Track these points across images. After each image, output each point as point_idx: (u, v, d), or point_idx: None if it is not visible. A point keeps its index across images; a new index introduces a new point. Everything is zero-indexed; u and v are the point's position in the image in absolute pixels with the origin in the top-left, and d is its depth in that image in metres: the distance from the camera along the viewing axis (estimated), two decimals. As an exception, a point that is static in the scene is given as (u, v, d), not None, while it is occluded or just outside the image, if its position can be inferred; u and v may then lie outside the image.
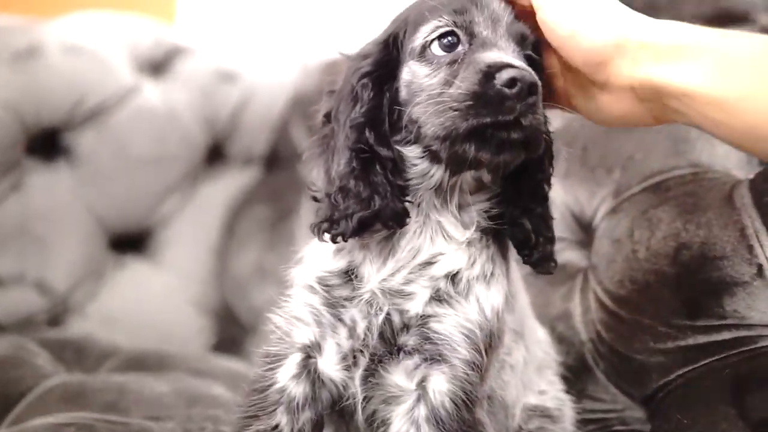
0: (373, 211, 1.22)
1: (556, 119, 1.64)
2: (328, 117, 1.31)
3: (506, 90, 1.11)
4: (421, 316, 1.25)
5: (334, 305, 1.30)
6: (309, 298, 1.31)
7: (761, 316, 1.41)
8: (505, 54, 1.18)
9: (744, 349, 1.42)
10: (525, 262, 1.32)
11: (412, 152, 1.26)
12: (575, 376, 1.61)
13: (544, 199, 1.32)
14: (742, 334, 1.43)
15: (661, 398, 1.50)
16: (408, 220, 1.24)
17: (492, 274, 1.29)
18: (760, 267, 1.42)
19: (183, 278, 2.73)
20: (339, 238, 1.24)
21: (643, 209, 1.62)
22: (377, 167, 1.24)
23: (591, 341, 1.64)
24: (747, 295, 1.42)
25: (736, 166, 1.63)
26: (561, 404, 1.49)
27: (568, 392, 1.52)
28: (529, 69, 1.15)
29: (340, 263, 1.31)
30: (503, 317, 1.29)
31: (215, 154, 2.84)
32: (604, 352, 1.61)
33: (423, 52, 1.24)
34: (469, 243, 1.28)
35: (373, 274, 1.27)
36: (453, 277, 1.26)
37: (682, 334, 1.48)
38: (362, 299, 1.27)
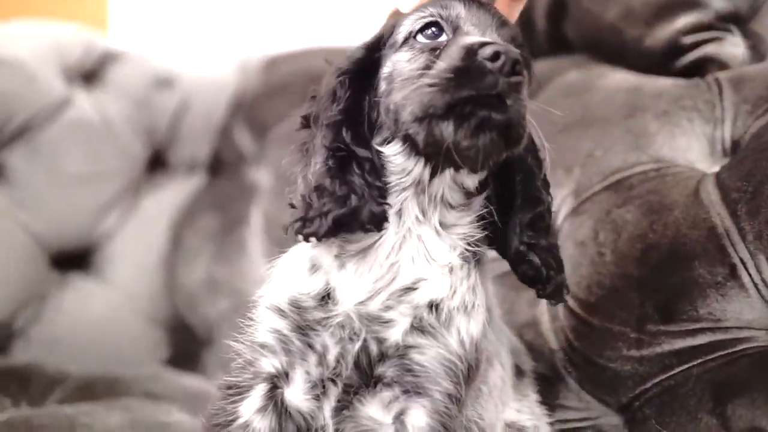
0: (349, 209, 1.16)
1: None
2: (307, 120, 1.25)
3: (489, 63, 1.06)
4: (401, 346, 1.18)
5: (304, 330, 1.21)
6: (276, 323, 1.23)
7: (737, 317, 1.37)
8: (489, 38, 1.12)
9: (721, 353, 1.37)
10: (539, 296, 1.27)
11: (391, 149, 1.20)
12: (547, 385, 1.55)
13: (547, 228, 1.26)
14: (719, 338, 1.38)
15: (638, 407, 1.45)
16: (387, 224, 1.18)
17: (473, 305, 1.22)
18: (732, 267, 1.37)
19: (131, 293, 2.62)
20: (312, 238, 1.18)
21: (607, 209, 1.57)
22: (354, 167, 1.18)
23: (562, 349, 1.58)
24: (721, 296, 1.38)
25: (699, 158, 1.59)
26: (536, 420, 1.43)
27: (542, 403, 1.46)
28: (515, 49, 1.08)
29: (317, 284, 1.23)
30: (481, 347, 1.23)
31: (156, 164, 2.73)
32: (576, 360, 1.55)
33: (405, 42, 1.20)
34: (451, 270, 1.22)
35: (350, 295, 1.20)
36: (435, 307, 1.20)
37: (656, 339, 1.43)
38: (335, 322, 1.19)
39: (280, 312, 1.22)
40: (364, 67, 1.23)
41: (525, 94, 1.10)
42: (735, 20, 1.74)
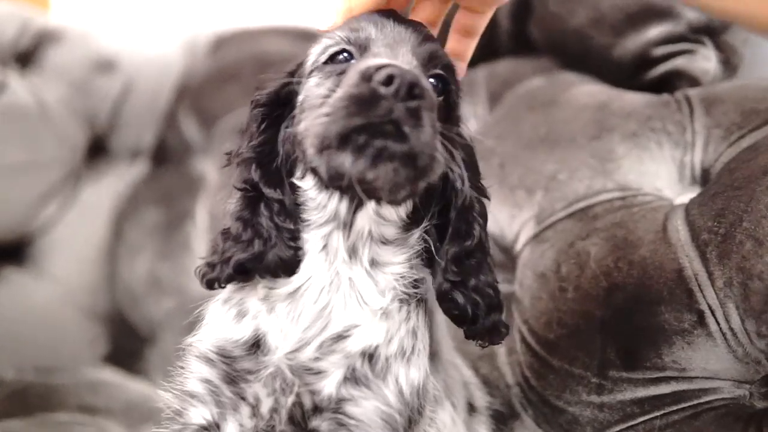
0: (251, 254, 1.11)
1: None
2: (229, 156, 1.19)
3: (382, 88, 0.97)
4: (335, 399, 1.11)
5: (235, 380, 1.15)
6: (205, 372, 1.16)
7: (703, 367, 1.30)
8: (390, 60, 1.02)
9: (685, 404, 1.31)
10: (467, 337, 1.17)
11: (306, 184, 1.13)
12: (501, 422, 1.48)
13: (479, 266, 1.15)
14: (683, 387, 1.31)
15: (597, 455, 1.38)
16: (299, 269, 1.13)
17: (413, 350, 1.15)
18: (701, 314, 1.29)
19: (69, 287, 2.47)
20: (215, 284, 1.14)
21: (570, 241, 1.48)
22: (262, 208, 1.13)
23: (518, 385, 1.51)
24: (687, 344, 1.30)
25: (667, 185, 1.51)
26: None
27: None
28: (415, 71, 1.00)
29: (245, 331, 1.16)
30: (425, 390, 1.16)
31: (97, 151, 2.56)
32: (532, 398, 1.48)
33: (314, 69, 1.14)
34: (387, 314, 1.14)
35: (281, 343, 1.13)
36: (370, 356, 1.12)
37: (618, 386, 1.36)
38: (267, 373, 1.12)
39: (209, 361, 1.16)
40: (283, 97, 1.16)
41: (431, 118, 1.00)
42: (708, 32, 1.66)
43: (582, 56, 1.78)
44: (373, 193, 1.05)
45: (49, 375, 2.19)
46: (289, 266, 1.12)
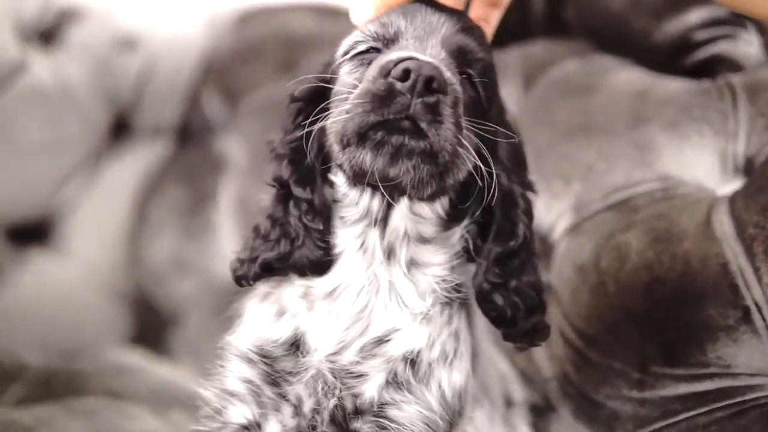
0: (278, 254, 1.11)
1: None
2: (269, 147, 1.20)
3: (398, 83, 0.96)
4: (376, 402, 1.10)
5: (276, 381, 1.14)
6: (246, 372, 1.16)
7: (748, 364, 1.28)
8: (414, 53, 1.00)
9: (730, 401, 1.28)
10: (505, 339, 1.14)
11: (340, 180, 1.12)
12: (538, 415, 1.47)
13: (522, 267, 1.12)
14: (727, 384, 1.29)
15: (637, 451, 1.37)
16: (331, 268, 1.13)
17: (455, 353, 1.14)
18: (746, 310, 1.27)
19: (92, 267, 2.47)
20: (243, 282, 1.15)
21: (609, 233, 1.45)
22: (291, 207, 1.13)
23: (556, 379, 1.49)
24: (732, 341, 1.28)
25: (708, 175, 1.47)
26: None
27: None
28: (436, 64, 0.98)
29: (284, 331, 1.15)
30: (466, 392, 1.15)
31: (120, 130, 2.53)
32: (570, 392, 1.46)
33: (344, 61, 1.12)
34: (428, 318, 1.12)
35: (320, 344, 1.12)
36: (412, 360, 1.11)
37: (659, 382, 1.34)
38: (308, 375, 1.12)
39: (249, 360, 1.15)
40: (320, 91, 1.13)
41: (455, 114, 0.98)
42: (750, 15, 1.61)
43: (619, 40, 1.74)
44: (399, 190, 1.04)
45: (73, 359, 2.18)
46: (318, 266, 1.12)
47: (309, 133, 1.11)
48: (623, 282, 1.39)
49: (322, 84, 1.12)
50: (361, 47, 1.10)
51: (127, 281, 2.50)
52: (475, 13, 1.24)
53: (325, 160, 1.12)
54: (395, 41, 1.07)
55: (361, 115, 0.97)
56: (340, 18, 2.46)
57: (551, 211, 1.57)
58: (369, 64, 1.06)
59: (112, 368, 2.13)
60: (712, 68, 1.62)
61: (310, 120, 1.09)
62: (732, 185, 1.44)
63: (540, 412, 1.47)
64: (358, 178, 1.03)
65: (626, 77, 1.66)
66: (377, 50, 1.08)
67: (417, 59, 0.96)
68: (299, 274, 1.13)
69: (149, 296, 2.46)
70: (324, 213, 1.12)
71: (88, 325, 2.44)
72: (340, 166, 1.06)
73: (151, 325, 2.45)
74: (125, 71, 2.47)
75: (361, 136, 0.98)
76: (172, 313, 2.39)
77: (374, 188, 1.07)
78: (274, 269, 1.13)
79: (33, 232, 2.45)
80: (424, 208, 1.11)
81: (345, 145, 1.01)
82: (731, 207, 1.36)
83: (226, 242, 2.23)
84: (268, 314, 1.17)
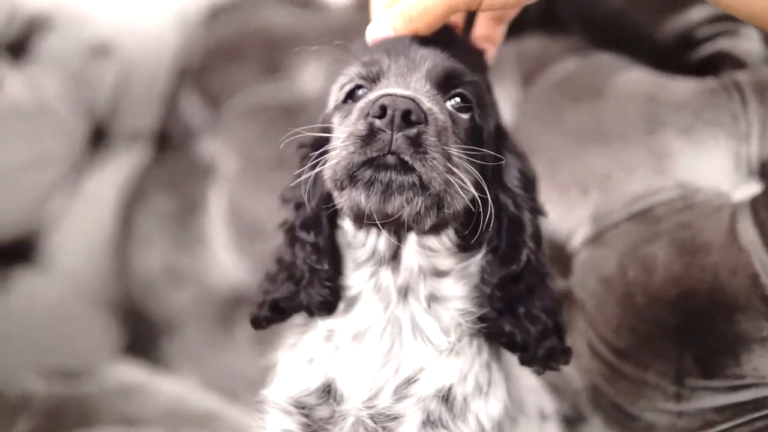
0: (285, 295, 1.15)
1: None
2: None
3: (377, 121, 0.97)
4: None
5: (315, 430, 1.14)
6: (285, 424, 1.15)
7: (784, 373, 1.30)
8: (395, 90, 1.01)
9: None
10: (522, 364, 1.14)
11: (347, 223, 1.14)
12: (570, 426, 1.48)
13: (529, 292, 1.12)
14: (764, 394, 1.31)
15: (675, 462, 1.39)
16: (339, 308, 1.14)
17: (489, 383, 1.14)
18: (779, 322, 1.29)
19: (80, 281, 2.41)
20: (258, 325, 1.18)
21: (634, 244, 1.46)
22: (297, 249, 1.16)
23: (586, 390, 1.50)
24: (767, 352, 1.30)
25: (723, 178, 1.47)
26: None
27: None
28: (412, 95, 0.98)
29: (315, 379, 1.15)
30: (503, 418, 1.15)
31: (98, 141, 2.46)
32: (602, 403, 1.48)
33: (335, 108, 1.14)
34: (457, 351, 1.12)
35: (353, 389, 1.12)
36: (446, 397, 1.11)
37: (696, 394, 1.36)
38: (347, 423, 1.12)
39: (287, 412, 1.15)
40: (324, 137, 1.12)
41: (440, 143, 0.99)
42: (749, 10, 1.60)
43: (619, 37, 1.72)
44: (401, 226, 1.04)
45: (76, 382, 2.14)
46: (325, 305, 1.13)
47: (317, 178, 1.11)
48: (652, 294, 1.40)
49: (324, 134, 1.12)
50: (349, 86, 1.10)
51: (116, 292, 2.45)
52: (480, 31, 1.23)
53: (330, 203, 1.11)
54: (378, 80, 1.07)
55: (348, 157, 0.99)
56: (318, 11, 2.41)
57: (567, 219, 1.57)
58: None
59: (117, 390, 2.10)
60: (714, 65, 1.62)
61: (309, 165, 1.10)
62: (746, 189, 1.44)
63: (571, 422, 1.48)
64: (358, 218, 1.03)
65: (633, 78, 1.64)
66: (365, 89, 1.09)
67: (392, 94, 0.97)
68: (307, 313, 1.15)
69: (140, 306, 2.40)
70: (330, 254, 1.14)
71: (81, 339, 2.38)
72: (342, 209, 1.06)
73: (143, 335, 2.41)
74: (100, 79, 2.40)
75: (352, 178, 1.00)
76: (166, 323, 2.34)
77: (379, 227, 1.06)
78: (283, 310, 1.16)
79: (17, 251, 2.38)
80: (432, 241, 1.11)
81: (340, 188, 1.02)
82: (754, 214, 1.37)
83: (219, 250, 2.20)
84: (298, 363, 1.17)
